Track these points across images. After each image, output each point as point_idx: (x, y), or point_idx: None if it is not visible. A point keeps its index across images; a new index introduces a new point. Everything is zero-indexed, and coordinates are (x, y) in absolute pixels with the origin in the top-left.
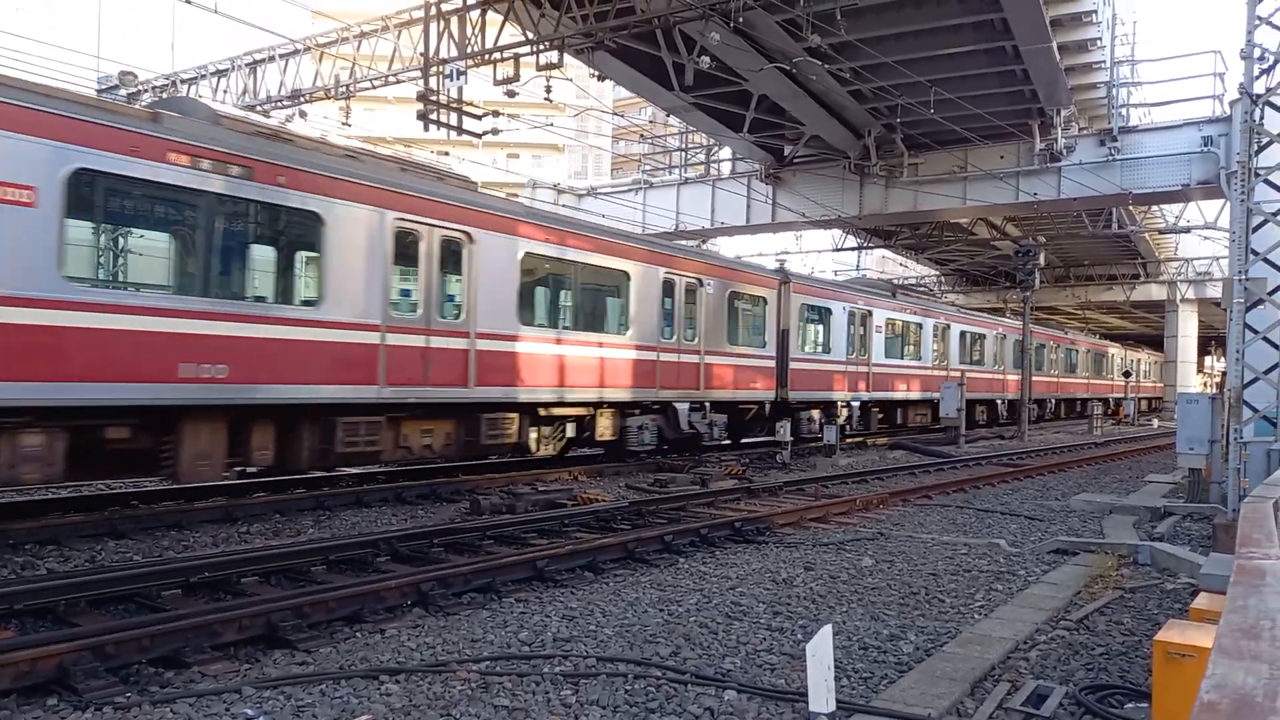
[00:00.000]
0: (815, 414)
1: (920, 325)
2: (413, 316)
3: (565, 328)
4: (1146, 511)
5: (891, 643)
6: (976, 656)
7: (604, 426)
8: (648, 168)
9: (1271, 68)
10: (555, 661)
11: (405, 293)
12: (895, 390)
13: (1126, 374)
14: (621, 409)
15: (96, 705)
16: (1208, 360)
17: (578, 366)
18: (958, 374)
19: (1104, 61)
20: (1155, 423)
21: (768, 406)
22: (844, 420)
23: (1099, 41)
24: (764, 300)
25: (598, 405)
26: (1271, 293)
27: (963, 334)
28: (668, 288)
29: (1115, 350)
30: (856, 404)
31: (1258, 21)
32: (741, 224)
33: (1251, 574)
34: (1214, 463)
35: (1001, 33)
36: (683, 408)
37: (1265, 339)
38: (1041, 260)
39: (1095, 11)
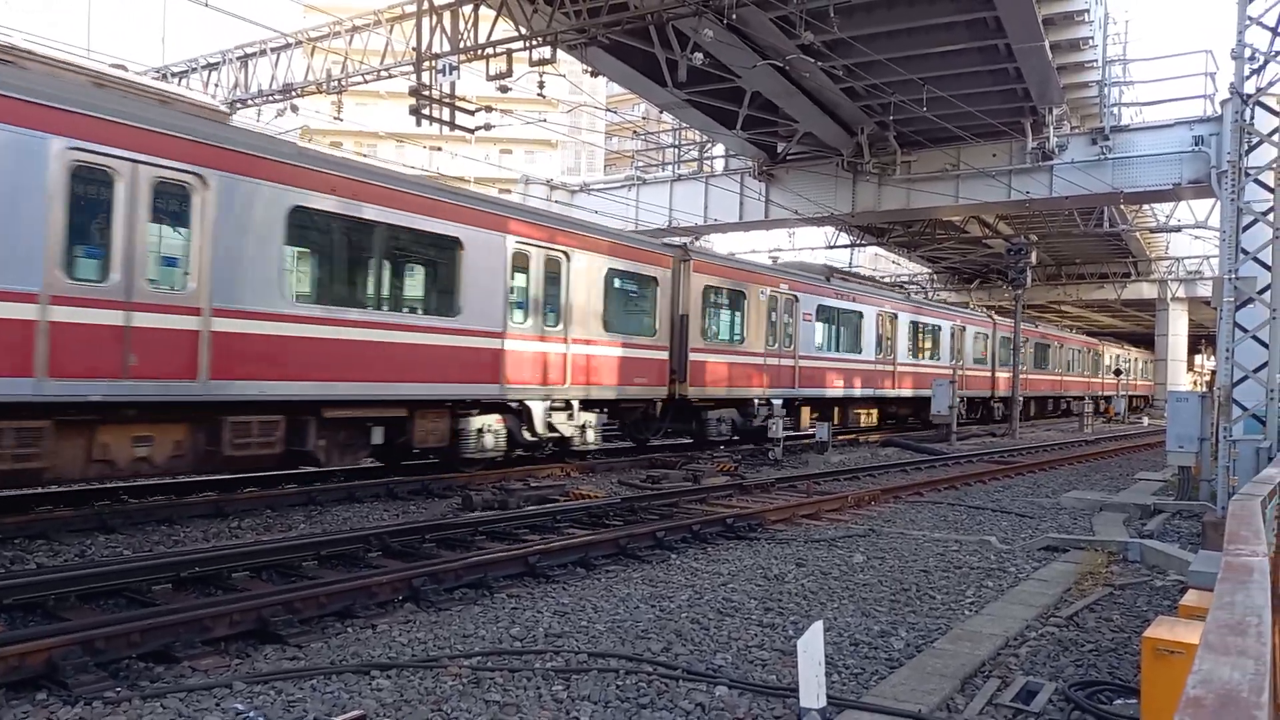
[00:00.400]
0: (726, 414)
1: (860, 314)
2: (104, 285)
3: (364, 307)
4: (1136, 509)
5: (882, 639)
6: (967, 653)
7: (427, 430)
8: (641, 164)
9: (1262, 68)
10: (547, 657)
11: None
12: (830, 386)
13: (1117, 372)
14: (454, 409)
15: (86, 700)
16: (1198, 359)
17: (384, 356)
18: (907, 368)
19: (1096, 60)
20: (1145, 421)
21: (658, 405)
22: (764, 421)
23: (1091, 40)
24: (654, 281)
25: (416, 405)
26: (1261, 292)
27: (915, 325)
28: (519, 261)
29: (1098, 346)
30: (779, 402)
31: (1248, 22)
32: (735, 221)
33: (1239, 571)
34: (1203, 461)
35: (994, 31)
36: (538, 406)
37: (1255, 338)
38: (1033, 258)
39: (1087, 11)
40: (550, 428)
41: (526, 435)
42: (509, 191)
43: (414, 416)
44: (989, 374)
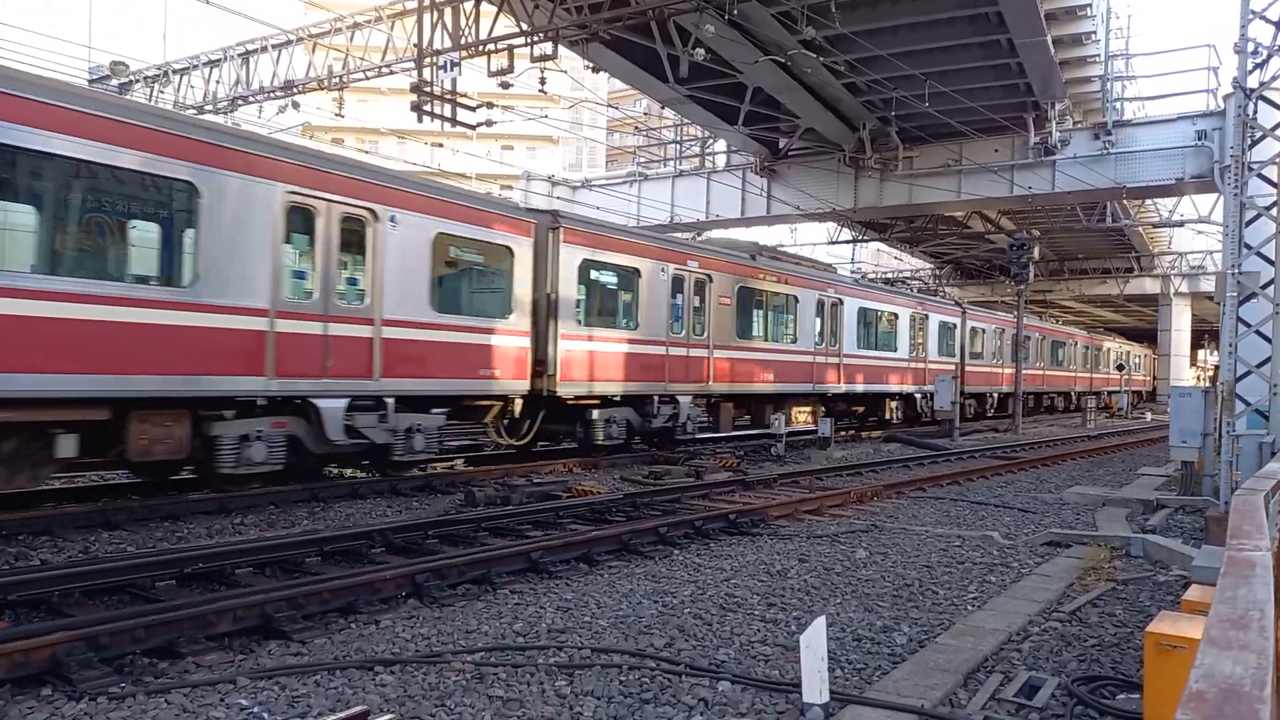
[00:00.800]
0: (619, 414)
1: (795, 298)
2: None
3: (36, 272)
4: (1139, 504)
5: (885, 634)
6: (970, 648)
7: (152, 438)
8: (642, 160)
9: (1265, 62)
10: (550, 652)
11: None
12: (756, 381)
13: (1120, 367)
14: (197, 410)
15: (91, 695)
16: (1200, 354)
17: (65, 337)
18: (857, 361)
19: (1099, 55)
20: (1149, 416)
21: (518, 403)
22: (666, 421)
23: (1094, 35)
24: (508, 252)
25: (130, 404)
26: (1264, 286)
27: (866, 312)
28: (297, 218)
29: (1083, 338)
30: (687, 399)
31: (1251, 16)
32: (736, 217)
33: (1241, 565)
34: (1206, 456)
35: (997, 26)
36: (332, 406)
37: (1258, 332)
38: (1036, 254)
39: (1090, 5)
40: (354, 433)
41: (318, 447)
42: (510, 188)
43: (129, 420)
44: (956, 368)
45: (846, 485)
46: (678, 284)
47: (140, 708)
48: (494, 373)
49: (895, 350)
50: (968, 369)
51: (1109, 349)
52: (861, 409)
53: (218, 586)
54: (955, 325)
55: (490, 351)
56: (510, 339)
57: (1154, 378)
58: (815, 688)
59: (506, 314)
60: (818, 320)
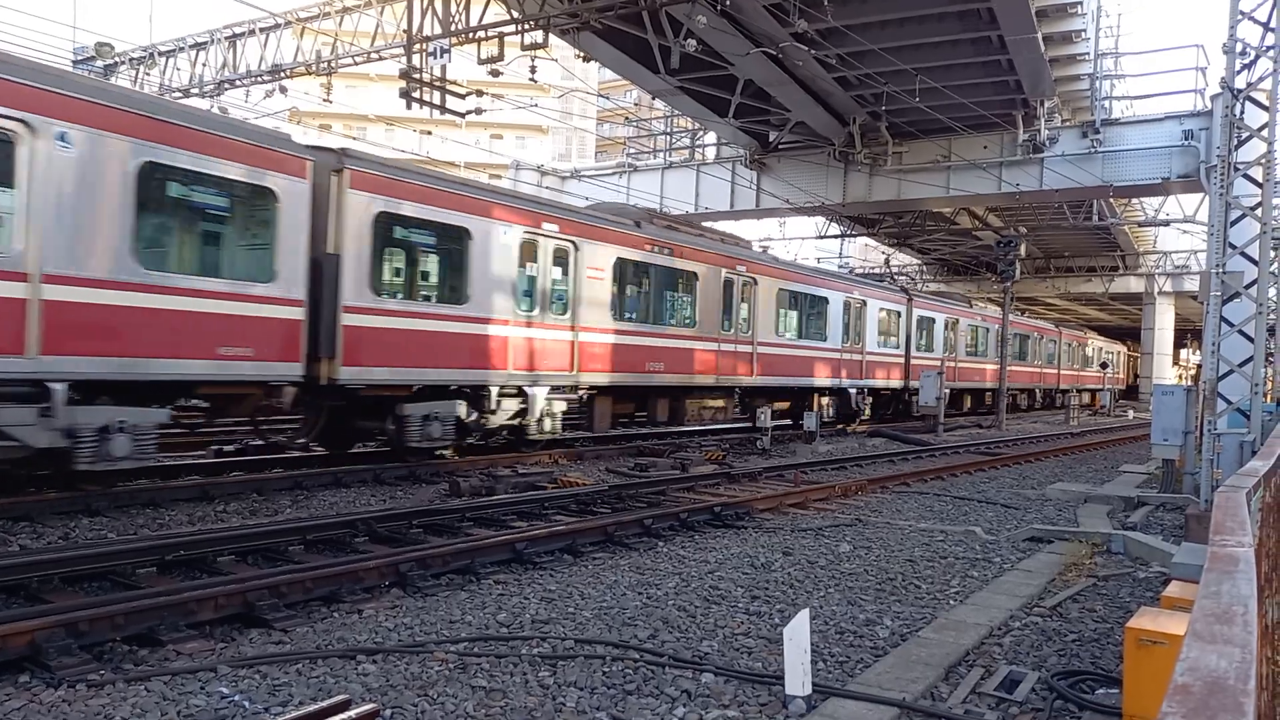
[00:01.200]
0: (443, 408)
1: (695, 275)
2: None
3: None
4: (1120, 501)
5: (868, 627)
6: (951, 642)
7: None
8: (632, 151)
9: (1253, 63)
10: (533, 643)
11: None
12: (642, 371)
13: (1104, 365)
14: None
15: (69, 682)
16: (1183, 353)
17: None
18: (776, 351)
19: (1088, 53)
20: (1130, 414)
21: (287, 390)
22: (511, 418)
23: (1083, 33)
24: (271, 197)
25: None
26: (1248, 286)
27: (784, 294)
28: None
29: (1053, 334)
30: (541, 391)
31: (1240, 16)
32: (726, 209)
33: (1225, 561)
34: (1187, 454)
35: (987, 22)
36: None
37: (1240, 332)
38: (1022, 251)
39: (1081, 3)
40: None
41: None
42: (499, 177)
43: None
44: (901, 361)
45: (831, 479)
46: (529, 251)
47: (120, 695)
48: (244, 352)
49: (825, 339)
50: (913, 362)
51: (1072, 345)
52: (786, 404)
53: (199, 574)
54: (899, 313)
55: (240, 324)
56: (273, 309)
57: (1135, 375)
58: (798, 680)
59: (267, 277)
60: (725, 302)
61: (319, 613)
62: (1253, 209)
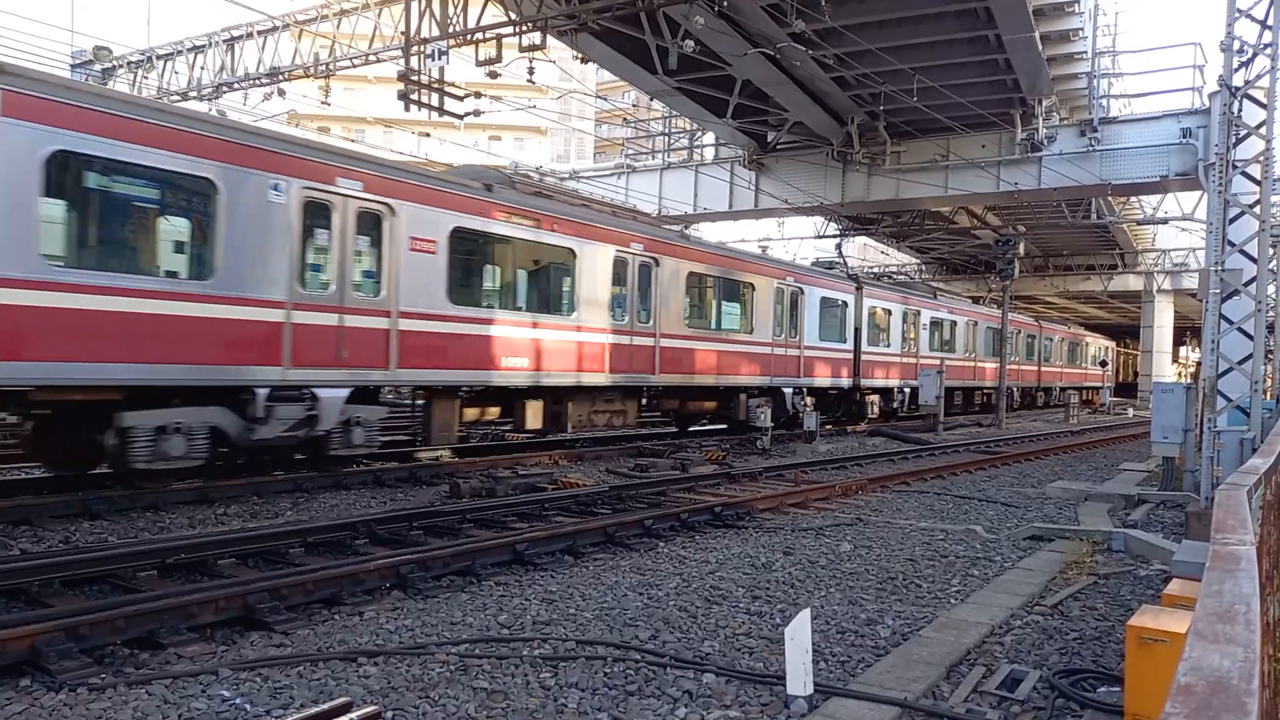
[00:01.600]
0: (190, 417)
1: (573, 253)
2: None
3: None
4: (1121, 499)
5: (869, 627)
6: (952, 641)
7: None
8: (631, 152)
9: (1250, 60)
10: (534, 644)
11: None
12: (491, 369)
13: (1103, 364)
14: None
15: (70, 686)
16: (1182, 350)
17: None
18: (691, 344)
19: (1086, 52)
20: (1130, 412)
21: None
22: (292, 429)
23: (1081, 32)
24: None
25: None
26: (1247, 284)
27: (695, 278)
28: None
29: (1032, 328)
30: (339, 394)
31: (1238, 14)
32: (724, 210)
33: (1226, 560)
34: (1187, 451)
35: (985, 21)
36: None
37: (1240, 329)
38: (1021, 250)
39: (1078, 2)
40: None
41: None
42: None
43: None
44: (850, 357)
45: (831, 479)
46: (317, 214)
47: (121, 699)
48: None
49: (751, 332)
50: (865, 358)
51: (1054, 341)
52: (713, 405)
53: (200, 577)
54: (847, 304)
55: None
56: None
57: (1135, 372)
58: (799, 680)
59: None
60: (616, 286)
61: (320, 615)
62: (1251, 206)
